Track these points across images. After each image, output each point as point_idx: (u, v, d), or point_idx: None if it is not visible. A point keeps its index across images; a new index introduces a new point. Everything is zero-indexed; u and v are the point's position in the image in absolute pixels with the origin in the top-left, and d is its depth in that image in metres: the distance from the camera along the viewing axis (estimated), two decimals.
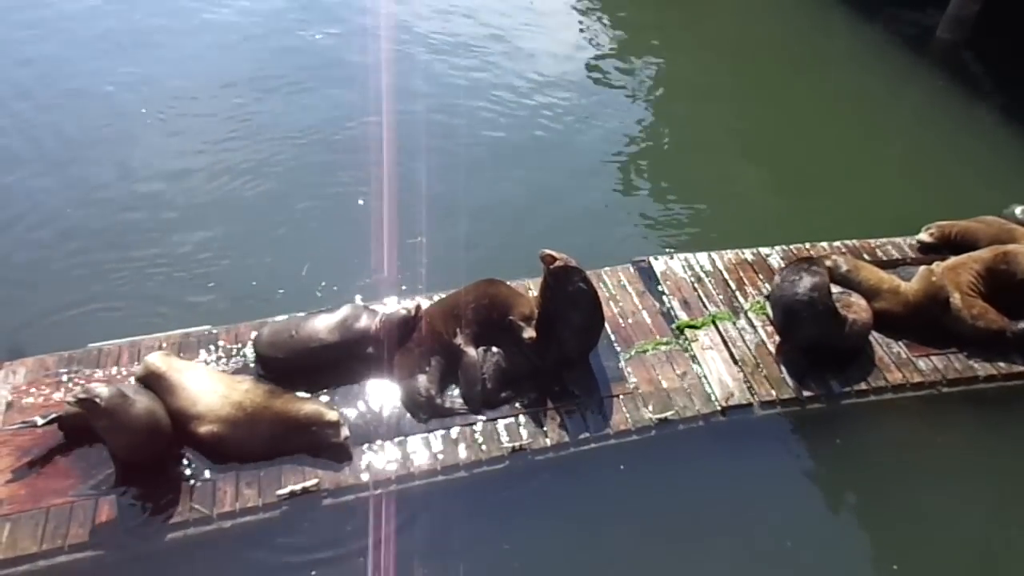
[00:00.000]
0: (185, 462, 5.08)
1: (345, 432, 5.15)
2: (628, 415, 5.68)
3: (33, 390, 5.52)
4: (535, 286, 6.18)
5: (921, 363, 6.23)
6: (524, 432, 5.49)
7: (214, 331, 6.07)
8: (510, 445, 5.39)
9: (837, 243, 7.31)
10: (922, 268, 6.57)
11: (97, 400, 4.66)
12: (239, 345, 5.94)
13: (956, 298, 6.33)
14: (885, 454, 5.95)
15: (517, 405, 5.66)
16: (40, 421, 5.12)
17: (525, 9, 12.14)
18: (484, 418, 5.54)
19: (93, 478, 4.95)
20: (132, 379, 5.32)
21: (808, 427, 6.00)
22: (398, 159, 8.37)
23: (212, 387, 5.20)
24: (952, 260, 6.69)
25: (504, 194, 8.35)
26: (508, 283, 6.18)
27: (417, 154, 8.55)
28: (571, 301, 5.67)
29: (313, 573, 4.87)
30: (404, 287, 6.99)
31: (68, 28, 10.61)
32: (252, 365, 5.76)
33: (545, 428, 5.53)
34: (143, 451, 4.89)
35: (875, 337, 6.36)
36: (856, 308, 6.13)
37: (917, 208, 8.09)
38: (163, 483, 4.95)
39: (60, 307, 6.66)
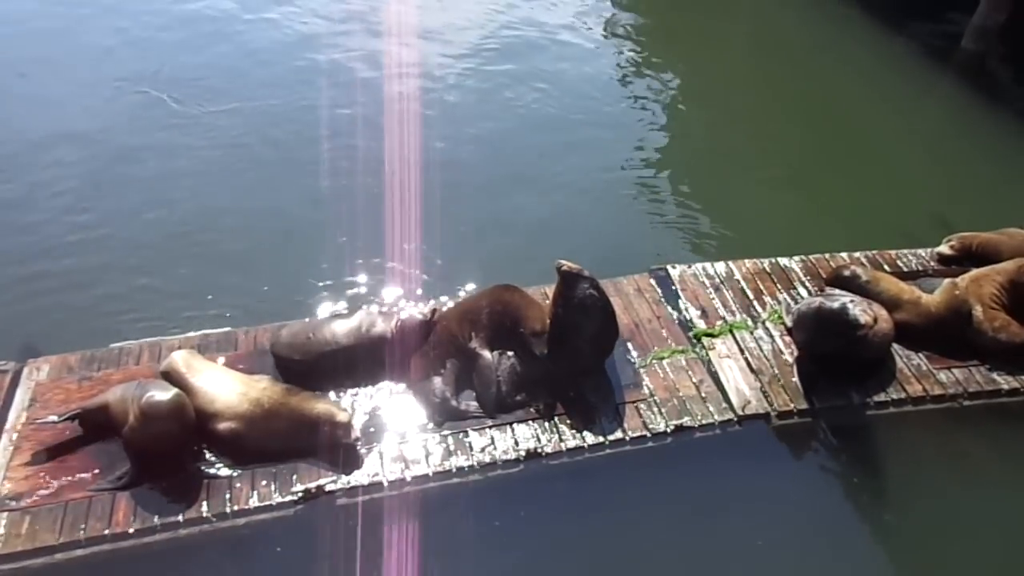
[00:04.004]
0: (202, 459, 5.14)
1: (355, 433, 5.17)
2: (644, 422, 5.65)
3: (56, 387, 5.61)
4: (551, 293, 6.17)
5: (942, 375, 6.15)
6: (539, 436, 5.48)
7: (233, 332, 6.15)
8: (524, 449, 5.39)
9: (857, 253, 7.25)
10: (946, 281, 6.48)
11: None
12: (257, 346, 5.99)
13: (978, 310, 6.24)
14: (905, 467, 5.85)
15: (531, 409, 5.66)
16: (54, 419, 5.22)
17: (542, 16, 12.19)
18: (499, 421, 5.55)
19: (111, 473, 5.02)
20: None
21: (826, 438, 5.93)
22: (417, 166, 8.44)
23: (231, 385, 5.28)
24: (975, 272, 6.58)
25: (522, 201, 8.38)
26: (524, 290, 6.18)
27: (435, 160, 8.61)
28: (582, 309, 5.65)
29: (326, 572, 4.89)
30: (421, 291, 7.04)
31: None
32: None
33: (560, 433, 5.52)
34: (169, 441, 4.95)
35: (895, 349, 6.28)
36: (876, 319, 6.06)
37: (938, 219, 8.02)
38: (180, 479, 5.01)
39: (83, 307, 6.80)
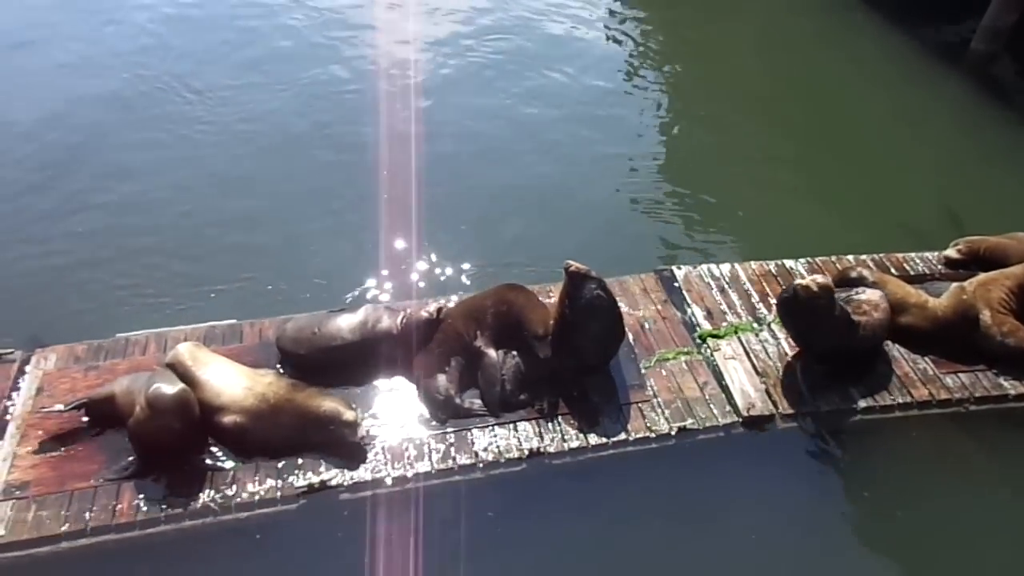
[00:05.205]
0: (206, 452, 5.15)
1: (361, 432, 5.18)
2: (647, 423, 5.65)
3: (63, 377, 5.65)
4: (556, 291, 6.17)
5: (948, 380, 6.12)
6: (542, 435, 5.49)
7: (238, 325, 6.17)
8: (528, 447, 5.39)
9: (864, 256, 7.22)
10: (954, 285, 6.45)
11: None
12: (262, 339, 6.01)
13: (986, 315, 6.21)
14: (910, 471, 5.85)
15: (535, 408, 5.66)
16: (60, 407, 5.26)
17: (549, 13, 12.14)
18: (502, 420, 5.55)
19: (117, 464, 5.05)
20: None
21: (831, 441, 5.91)
22: (423, 163, 8.44)
23: (236, 379, 5.29)
24: (983, 276, 6.56)
25: (527, 199, 8.38)
26: (529, 288, 6.17)
27: (442, 158, 8.61)
28: (589, 309, 5.61)
29: (328, 567, 4.91)
30: (426, 288, 7.05)
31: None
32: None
33: (563, 432, 5.52)
34: (173, 435, 4.96)
35: (901, 352, 6.27)
36: (865, 308, 6.00)
37: (946, 222, 7.99)
38: (184, 472, 5.03)
39: (91, 297, 6.86)
